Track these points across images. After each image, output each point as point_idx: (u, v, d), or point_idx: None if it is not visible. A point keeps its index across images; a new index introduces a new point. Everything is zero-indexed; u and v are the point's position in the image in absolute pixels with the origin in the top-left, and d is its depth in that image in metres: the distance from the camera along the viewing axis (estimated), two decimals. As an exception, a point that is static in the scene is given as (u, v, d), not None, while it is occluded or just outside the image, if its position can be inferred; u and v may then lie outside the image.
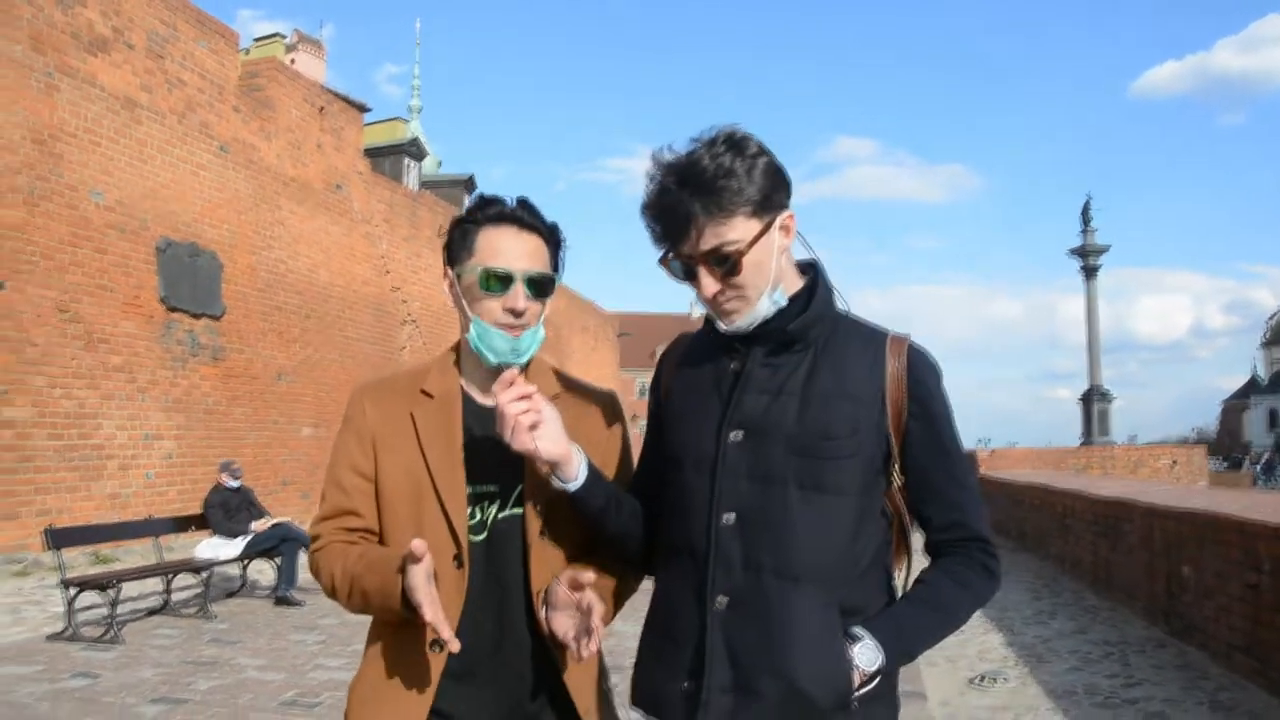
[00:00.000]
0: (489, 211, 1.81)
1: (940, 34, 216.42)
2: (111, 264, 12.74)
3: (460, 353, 1.89)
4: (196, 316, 14.30)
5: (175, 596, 9.12)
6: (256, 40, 36.12)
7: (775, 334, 1.67)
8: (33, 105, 11.60)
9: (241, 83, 15.91)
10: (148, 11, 13.59)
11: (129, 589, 8.58)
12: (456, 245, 1.83)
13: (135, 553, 11.87)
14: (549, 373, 1.92)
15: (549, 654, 1.76)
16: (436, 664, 1.72)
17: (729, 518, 1.63)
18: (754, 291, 1.62)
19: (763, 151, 1.62)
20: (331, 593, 1.79)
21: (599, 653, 1.77)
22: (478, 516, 1.79)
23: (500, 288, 1.76)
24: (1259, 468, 45.90)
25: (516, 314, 1.76)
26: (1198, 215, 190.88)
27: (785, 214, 1.64)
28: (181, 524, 9.97)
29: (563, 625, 1.68)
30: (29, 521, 11.14)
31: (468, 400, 1.85)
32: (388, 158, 26.04)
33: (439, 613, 1.60)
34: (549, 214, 1.85)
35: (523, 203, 1.82)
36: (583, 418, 1.87)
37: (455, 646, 1.61)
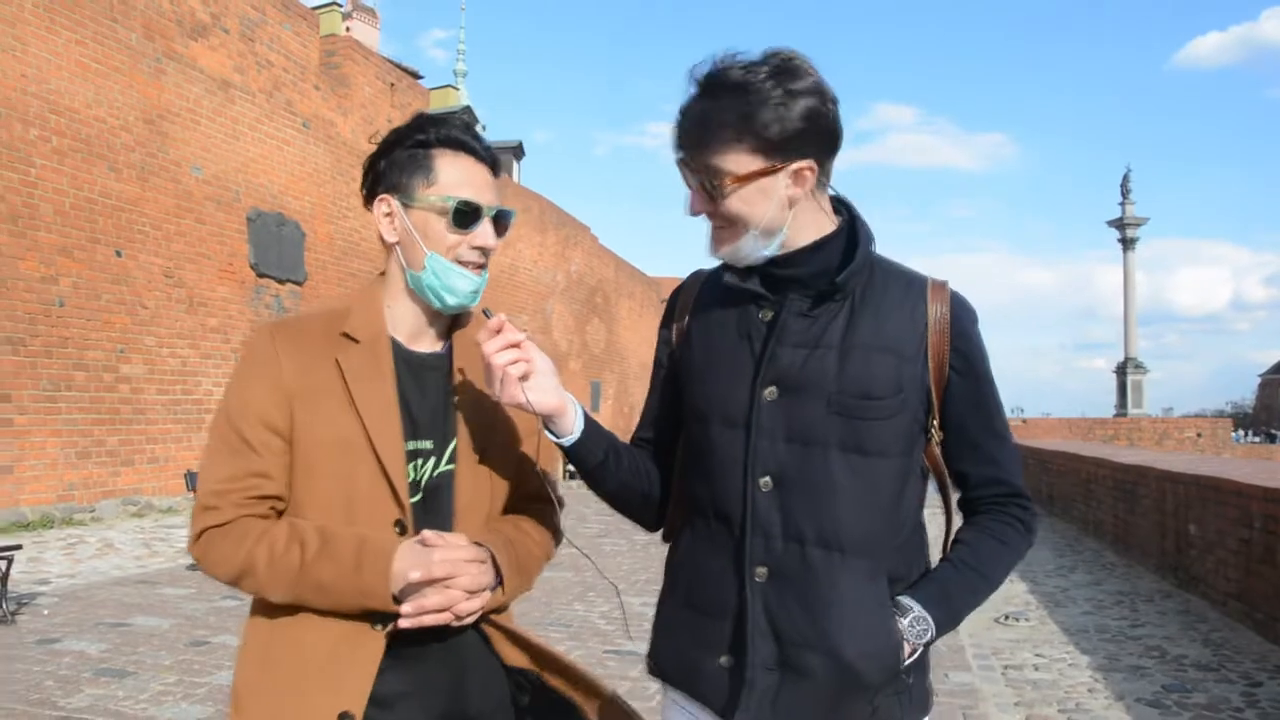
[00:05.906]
0: (448, 134, 1.58)
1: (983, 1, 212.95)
2: (209, 234, 13.83)
3: (387, 291, 1.63)
4: (282, 282, 15.40)
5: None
6: (313, 10, 36.58)
7: (815, 283, 1.51)
8: (144, 88, 12.68)
9: (321, 61, 16.91)
10: (241, -2, 14.60)
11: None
12: (404, 169, 1.57)
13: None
14: (479, 316, 1.63)
15: (486, 622, 1.61)
16: (377, 644, 1.51)
17: (765, 481, 1.49)
18: (739, 228, 1.47)
19: (811, 92, 1.42)
20: (237, 581, 1.52)
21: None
22: (411, 476, 1.57)
23: (470, 223, 1.56)
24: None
25: (486, 252, 1.59)
26: (1241, 188, 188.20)
27: (803, 163, 1.44)
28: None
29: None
30: (142, 468, 12.38)
31: (396, 346, 1.61)
32: (442, 126, 26.93)
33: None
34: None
35: (469, 128, 1.62)
36: None
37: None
